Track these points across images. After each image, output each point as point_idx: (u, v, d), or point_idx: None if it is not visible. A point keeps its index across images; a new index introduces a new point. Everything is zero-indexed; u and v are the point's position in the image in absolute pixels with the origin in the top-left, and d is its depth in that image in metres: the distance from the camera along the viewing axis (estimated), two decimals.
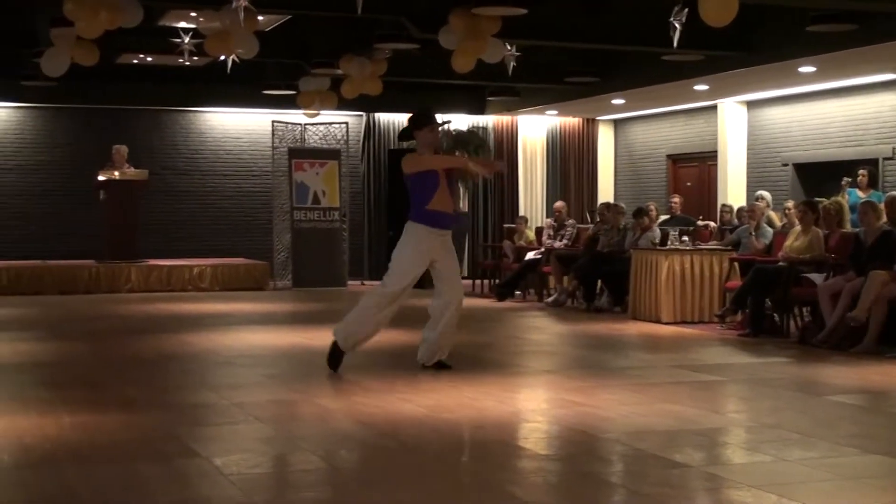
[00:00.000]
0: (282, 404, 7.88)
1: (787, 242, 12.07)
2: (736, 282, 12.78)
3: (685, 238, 13.81)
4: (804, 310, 12.11)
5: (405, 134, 9.45)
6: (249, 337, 12.15)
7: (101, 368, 9.78)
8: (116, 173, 18.24)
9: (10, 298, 16.69)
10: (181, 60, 15.52)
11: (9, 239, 19.43)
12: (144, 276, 18.27)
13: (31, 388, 8.52)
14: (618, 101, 19.60)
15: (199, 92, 19.90)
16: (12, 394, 8.32)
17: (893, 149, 16.03)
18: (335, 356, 9.20)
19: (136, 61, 18.66)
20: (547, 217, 19.78)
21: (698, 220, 16.61)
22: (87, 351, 11.01)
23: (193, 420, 7.31)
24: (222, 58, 14.18)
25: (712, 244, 14.22)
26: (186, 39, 14.39)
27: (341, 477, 5.80)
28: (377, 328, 9.37)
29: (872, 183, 14.99)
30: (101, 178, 18.17)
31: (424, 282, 9.84)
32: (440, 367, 9.27)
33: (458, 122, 21.24)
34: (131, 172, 18.39)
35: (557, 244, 16.58)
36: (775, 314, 12.12)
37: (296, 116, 19.65)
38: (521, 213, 21.23)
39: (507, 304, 16.37)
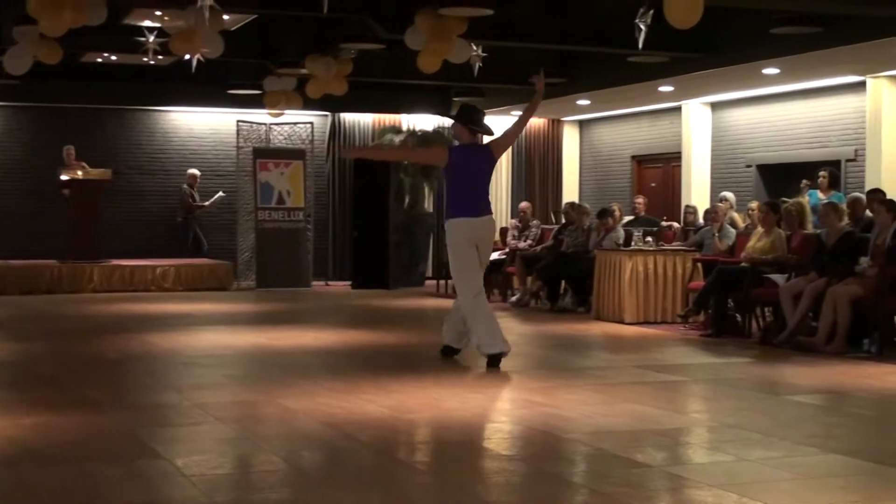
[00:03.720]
0: (244, 405, 7.86)
1: (750, 243, 12.14)
2: (699, 282, 12.83)
3: (649, 239, 13.86)
4: (766, 310, 12.18)
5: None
6: (212, 337, 12.10)
7: (63, 369, 9.72)
8: (80, 172, 18.14)
9: None
10: (146, 59, 15.43)
11: None
12: (107, 276, 18.16)
13: None
14: (583, 102, 19.64)
15: (164, 91, 19.80)
16: None
17: (856, 150, 16.14)
18: (497, 360, 9.48)
19: (100, 60, 18.53)
20: (511, 217, 19.80)
21: (662, 220, 16.67)
22: (48, 351, 10.94)
23: (155, 421, 7.28)
24: (187, 57, 14.10)
25: (676, 245, 14.28)
26: (151, 38, 14.32)
27: (303, 478, 5.78)
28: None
29: (834, 184, 15.08)
30: (63, 177, 18.06)
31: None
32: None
33: (423, 122, 21.30)
34: (94, 172, 18.29)
35: (522, 245, 16.60)
36: (737, 314, 12.19)
37: (261, 116, 19.58)
38: None
39: None
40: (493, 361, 9.42)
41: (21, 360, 10.24)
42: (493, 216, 9.88)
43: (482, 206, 9.62)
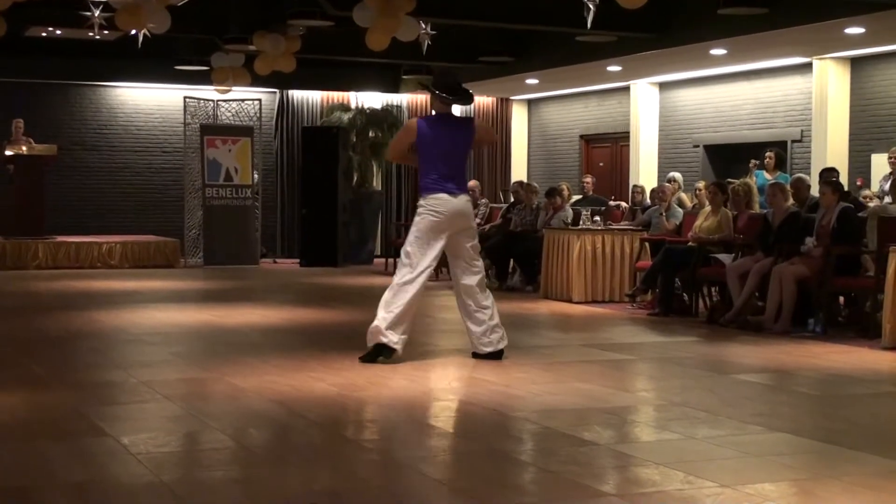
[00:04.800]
0: (191, 382, 7.81)
1: (697, 223, 12.21)
2: (646, 262, 12.90)
3: (597, 218, 13.91)
4: (713, 290, 12.27)
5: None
6: (159, 315, 12.01)
7: (7, 346, 9.61)
8: (24, 148, 17.93)
9: None
10: (91, 34, 15.24)
11: None
12: (52, 252, 17.97)
13: None
14: (531, 81, 19.65)
15: (110, 66, 19.61)
16: None
17: (802, 132, 16.27)
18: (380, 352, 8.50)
19: (44, 34, 18.31)
20: None
21: (610, 200, 16.74)
22: None
23: (101, 399, 7.21)
24: (133, 32, 13.96)
25: (624, 224, 14.34)
26: (97, 13, 14.15)
27: (251, 456, 5.75)
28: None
29: (780, 165, 15.21)
30: (7, 152, 17.83)
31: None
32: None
33: (372, 100, 21.23)
34: (39, 147, 18.08)
35: None
36: (685, 294, 12.26)
37: (208, 93, 19.44)
38: None
39: None
40: (379, 351, 8.45)
41: None
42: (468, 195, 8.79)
43: (457, 184, 8.60)
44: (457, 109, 9.25)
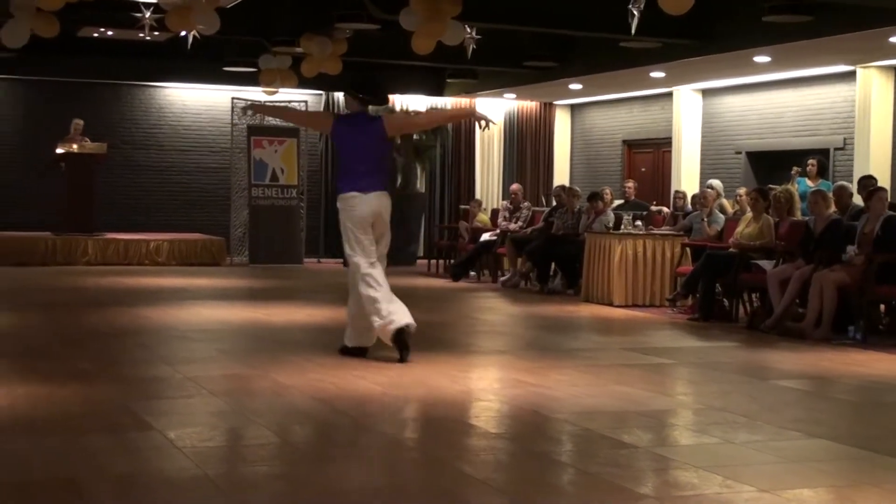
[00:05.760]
0: (236, 379, 7.86)
1: (738, 229, 12.15)
2: (687, 267, 12.85)
3: (638, 223, 13.87)
4: (753, 296, 12.20)
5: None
6: (205, 312, 12.09)
7: (56, 340, 9.71)
8: (75, 146, 18.11)
9: None
10: (142, 35, 15.36)
11: None
12: (101, 249, 18.13)
13: None
14: (575, 87, 19.61)
15: (160, 67, 19.74)
16: None
17: (845, 139, 16.15)
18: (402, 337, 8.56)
19: (96, 35, 18.46)
20: (503, 199, 19.80)
21: (652, 205, 16.68)
22: (41, 322, 10.93)
23: (147, 393, 7.27)
24: (183, 33, 14.05)
25: (665, 229, 14.28)
26: (147, 14, 14.25)
27: (294, 451, 5.79)
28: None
29: (822, 172, 15.11)
30: (59, 150, 18.02)
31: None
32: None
33: (417, 103, 21.26)
34: (90, 146, 18.25)
35: (512, 226, 16.59)
36: (725, 299, 12.20)
37: (255, 94, 19.53)
38: (478, 194, 21.28)
39: (461, 284, 16.38)
40: (402, 336, 8.50)
41: (15, 331, 10.23)
42: (386, 193, 8.71)
43: (369, 182, 8.58)
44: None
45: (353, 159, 8.70)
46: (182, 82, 20.41)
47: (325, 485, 4.99)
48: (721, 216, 13.37)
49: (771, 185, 13.47)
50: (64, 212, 18.20)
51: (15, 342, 9.48)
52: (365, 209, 8.57)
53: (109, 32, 18.20)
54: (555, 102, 22.35)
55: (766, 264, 11.51)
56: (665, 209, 16.05)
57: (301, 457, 5.68)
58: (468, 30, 14.32)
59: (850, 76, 15.85)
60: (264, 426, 6.20)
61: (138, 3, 14.57)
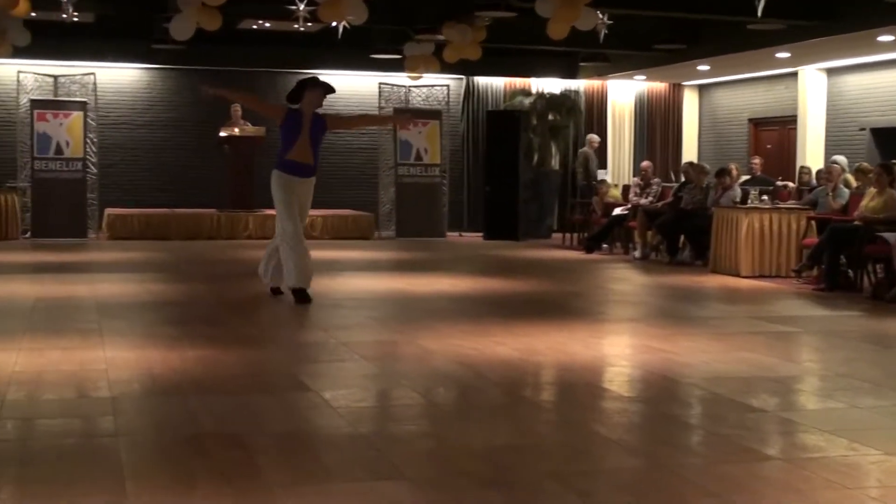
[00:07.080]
0: (385, 344, 7.94)
1: (863, 203, 11.83)
2: (813, 239, 12.55)
3: (765, 197, 13.59)
4: (877, 267, 11.87)
5: (295, 96, 10.23)
6: (356, 282, 12.24)
7: (222, 308, 9.94)
8: (236, 129, 18.47)
9: (141, 243, 17.01)
10: (296, 26, 15.57)
11: (140, 189, 19.78)
12: (261, 224, 18.47)
13: (159, 325, 8.69)
14: (703, 68, 19.30)
15: (312, 55, 19.96)
16: (143, 330, 8.51)
17: None
18: (303, 295, 10.00)
19: (255, 27, 18.77)
20: (634, 176, 19.60)
21: (778, 180, 16.33)
22: (209, 292, 11.19)
23: (305, 357, 7.40)
24: (334, 24, 14.19)
25: (791, 203, 13.97)
26: (302, 6, 14.44)
27: (439, 412, 5.83)
28: (309, 257, 10.36)
29: None
30: (222, 134, 18.42)
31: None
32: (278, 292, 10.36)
33: (552, 85, 21.16)
34: (249, 129, 18.60)
35: (643, 201, 16.41)
36: (850, 270, 11.89)
37: (401, 79, 19.66)
38: (609, 171, 21.16)
39: (594, 256, 16.26)
40: (300, 294, 9.99)
41: (185, 300, 10.49)
42: (314, 180, 10.45)
43: (303, 169, 10.23)
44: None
45: (292, 145, 10.21)
46: (333, 69, 20.57)
47: (467, 443, 5.02)
48: (846, 191, 13.02)
49: (894, 161, 13.06)
50: (227, 190, 18.59)
51: (185, 310, 9.72)
52: (293, 188, 10.28)
53: (267, 24, 18.49)
54: (683, 83, 22.02)
55: (891, 236, 11.17)
56: (790, 184, 15.70)
57: (445, 417, 5.72)
58: (600, 15, 14.17)
59: None
60: (411, 388, 6.26)
61: None
